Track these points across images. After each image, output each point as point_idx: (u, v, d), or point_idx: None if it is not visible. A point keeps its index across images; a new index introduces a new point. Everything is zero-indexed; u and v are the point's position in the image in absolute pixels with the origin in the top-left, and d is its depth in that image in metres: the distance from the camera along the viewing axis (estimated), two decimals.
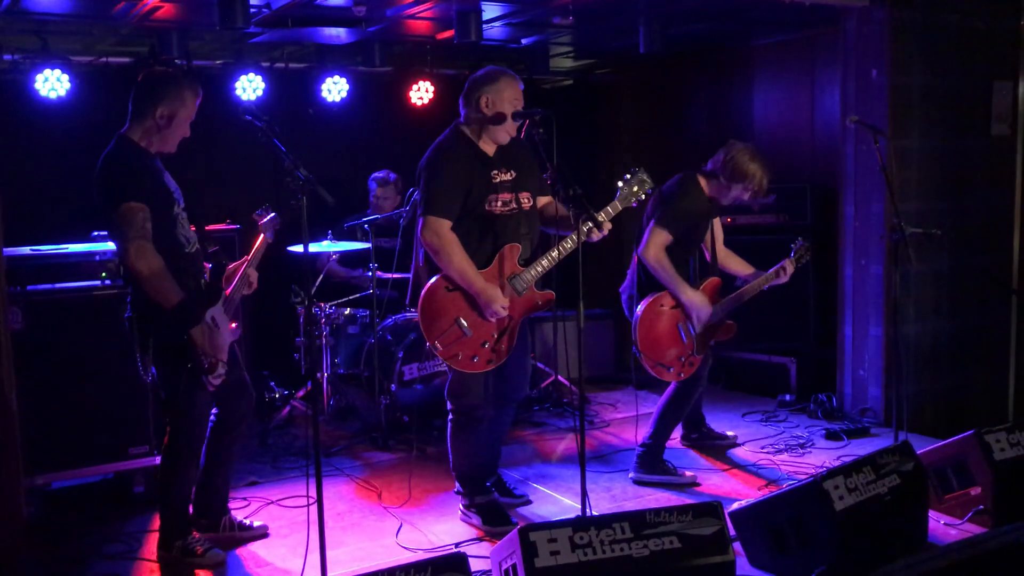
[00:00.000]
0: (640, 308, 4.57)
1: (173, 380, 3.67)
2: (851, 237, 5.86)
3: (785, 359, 6.36)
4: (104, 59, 6.19)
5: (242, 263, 4.05)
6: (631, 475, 4.75)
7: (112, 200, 3.50)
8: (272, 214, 4.20)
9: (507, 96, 3.93)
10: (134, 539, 4.10)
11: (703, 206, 4.63)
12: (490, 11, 5.59)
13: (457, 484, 4.29)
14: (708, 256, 4.84)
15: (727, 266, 4.91)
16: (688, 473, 4.73)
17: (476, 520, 4.14)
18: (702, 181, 4.63)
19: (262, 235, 4.18)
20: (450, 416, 4.19)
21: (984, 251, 6.10)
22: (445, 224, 3.87)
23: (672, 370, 4.60)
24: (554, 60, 7.51)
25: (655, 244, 4.48)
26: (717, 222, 4.85)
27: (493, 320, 3.93)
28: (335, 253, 5.77)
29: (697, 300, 4.56)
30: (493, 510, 4.15)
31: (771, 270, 4.76)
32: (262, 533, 4.11)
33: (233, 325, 3.92)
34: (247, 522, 4.13)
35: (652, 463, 4.72)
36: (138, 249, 3.45)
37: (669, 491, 4.57)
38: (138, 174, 3.55)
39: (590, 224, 3.66)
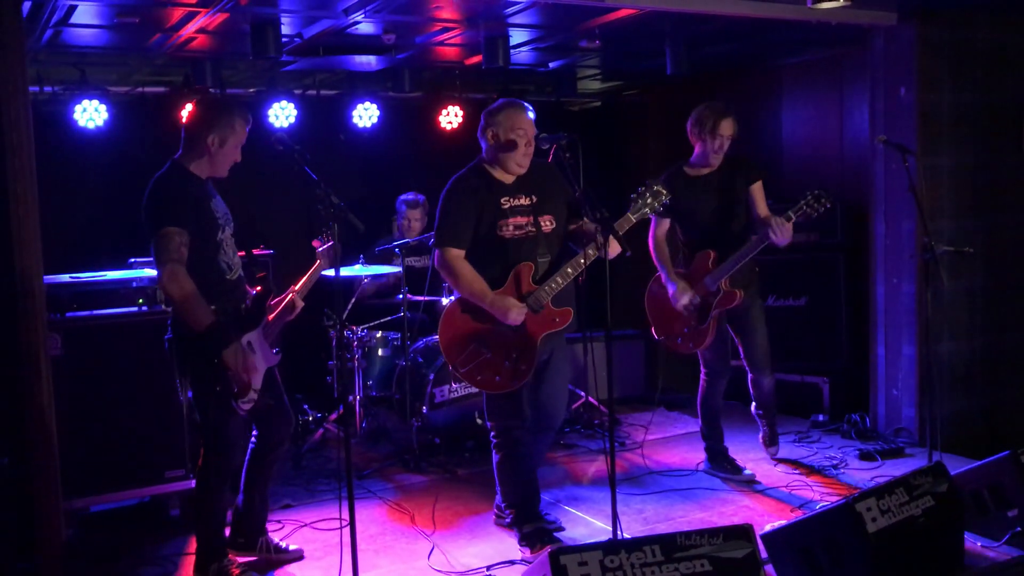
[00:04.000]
0: (647, 292, 5.04)
1: (206, 403, 3.73)
2: (882, 256, 5.82)
3: (818, 379, 6.32)
4: (140, 89, 6.33)
5: (290, 291, 4.09)
6: (702, 466, 5.27)
7: (152, 223, 3.59)
8: (331, 242, 4.18)
9: (511, 126, 3.99)
10: (170, 562, 4.16)
11: (685, 187, 4.82)
12: (517, 36, 5.66)
13: (507, 516, 4.30)
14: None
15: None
16: (747, 471, 5.04)
17: (527, 552, 4.09)
18: (685, 168, 4.93)
19: (318, 262, 4.21)
20: (492, 440, 4.21)
21: (1018, 269, 6.03)
22: (454, 252, 4.00)
23: (681, 341, 4.97)
24: (581, 82, 7.56)
25: (654, 232, 4.93)
26: (757, 192, 4.85)
27: (515, 325, 3.94)
28: (367, 278, 5.82)
29: (673, 287, 4.86)
30: (541, 538, 4.08)
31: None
32: (298, 556, 4.14)
33: (274, 351, 3.98)
34: (284, 545, 4.17)
35: (713, 458, 5.19)
36: (171, 273, 3.52)
37: (704, 512, 4.56)
38: (180, 199, 3.63)
39: (601, 242, 3.72)
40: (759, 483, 4.95)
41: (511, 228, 4.03)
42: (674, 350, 5.06)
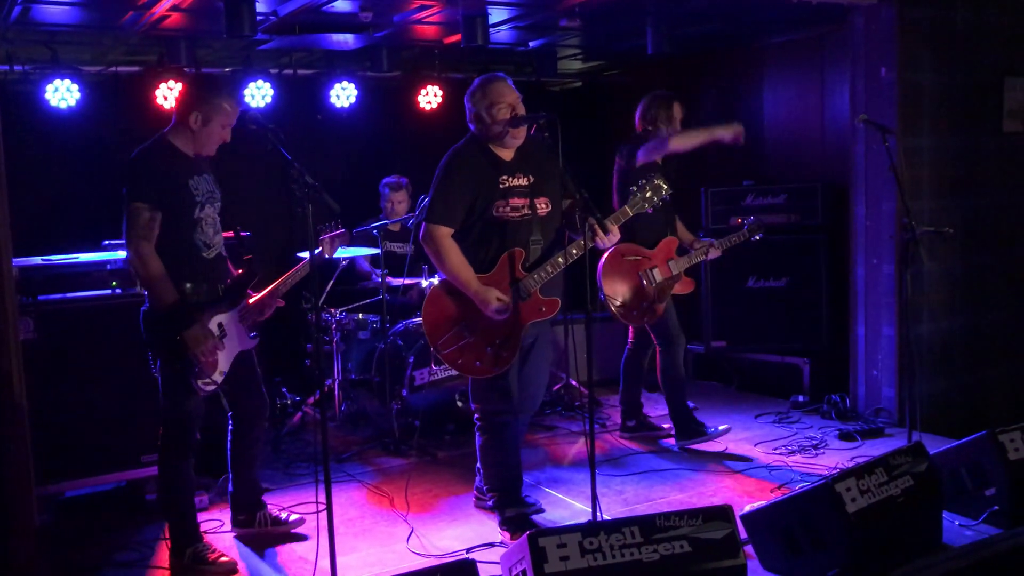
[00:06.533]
0: (604, 256, 4.98)
1: (167, 377, 3.73)
2: (863, 236, 5.82)
3: (798, 360, 6.33)
4: (113, 68, 6.24)
5: (285, 276, 4.01)
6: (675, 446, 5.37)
7: (125, 197, 3.62)
8: (340, 230, 4.15)
9: (493, 99, 3.89)
10: (146, 547, 4.11)
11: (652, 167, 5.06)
12: (497, 15, 5.59)
13: (488, 499, 4.26)
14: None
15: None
16: (721, 427, 5.29)
17: (506, 537, 4.07)
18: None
19: (320, 248, 4.13)
20: (477, 423, 4.18)
21: (997, 249, 6.06)
22: (443, 230, 3.89)
23: (635, 313, 5.10)
24: (562, 62, 7.51)
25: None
26: None
27: (499, 319, 3.89)
28: (344, 259, 5.77)
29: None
30: (521, 524, 4.04)
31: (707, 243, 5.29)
32: (297, 525, 4.17)
33: (251, 335, 3.94)
34: (283, 516, 4.20)
35: (683, 429, 5.31)
36: (137, 249, 3.56)
37: (683, 492, 4.56)
38: (153, 174, 3.62)
39: (595, 227, 3.69)
40: (749, 459, 5.00)
41: (508, 209, 3.92)
42: (627, 322, 5.23)
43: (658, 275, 5.06)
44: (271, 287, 3.98)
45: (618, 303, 5.06)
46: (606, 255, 5.00)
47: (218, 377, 3.74)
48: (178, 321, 3.58)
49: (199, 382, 3.67)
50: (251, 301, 3.91)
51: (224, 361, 3.76)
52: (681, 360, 5.31)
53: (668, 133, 5.02)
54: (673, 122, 5.16)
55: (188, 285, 3.65)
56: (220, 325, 3.75)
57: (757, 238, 5.31)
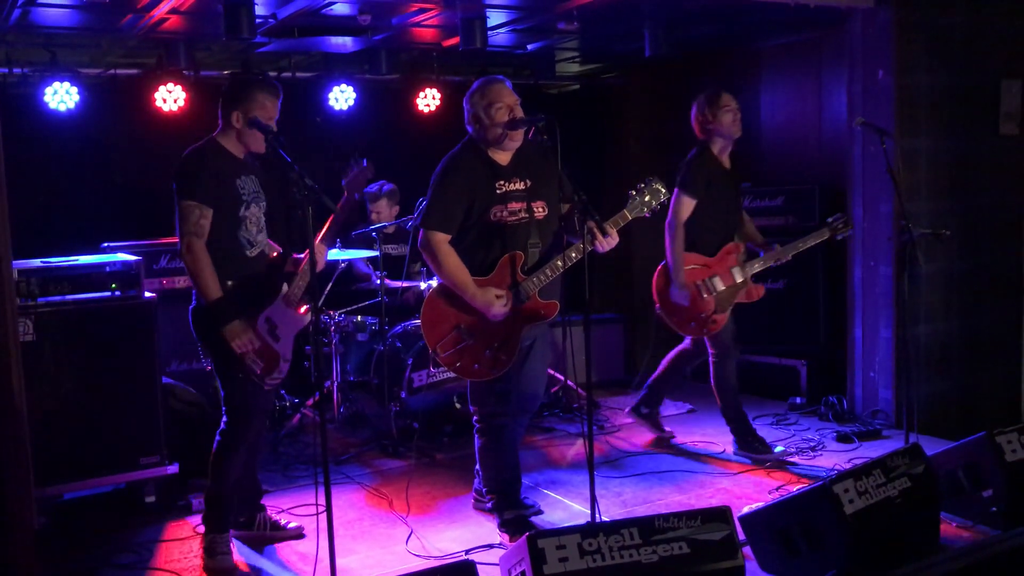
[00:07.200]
0: (659, 267, 4.95)
1: (223, 372, 3.81)
2: (860, 238, 5.84)
3: (795, 361, 6.33)
4: (112, 71, 6.23)
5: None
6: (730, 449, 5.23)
7: (176, 195, 3.72)
8: (363, 164, 3.86)
9: (491, 100, 3.89)
10: (145, 549, 4.12)
11: (719, 168, 4.94)
12: (495, 17, 5.61)
13: (487, 501, 4.26)
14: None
15: (747, 234, 5.19)
16: (779, 448, 5.12)
17: (505, 538, 4.08)
18: (711, 147, 4.96)
19: (345, 194, 3.89)
20: (476, 425, 4.19)
21: (994, 251, 6.07)
22: (439, 236, 3.90)
23: (694, 325, 4.94)
24: (560, 65, 7.53)
25: (676, 212, 4.83)
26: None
27: (498, 320, 3.90)
28: (343, 262, 5.78)
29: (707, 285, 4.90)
30: (520, 526, 4.06)
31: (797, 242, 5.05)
32: (296, 534, 4.18)
33: (303, 310, 3.93)
34: (282, 522, 4.22)
35: (742, 439, 5.13)
36: (187, 245, 3.67)
37: (682, 494, 4.57)
38: (202, 174, 3.71)
39: (594, 230, 3.69)
40: (794, 463, 4.97)
41: (505, 213, 3.92)
42: (685, 334, 5.10)
43: (719, 284, 4.89)
44: (305, 260, 3.95)
45: (674, 315, 4.95)
46: (661, 266, 4.95)
47: (284, 365, 3.85)
48: (217, 318, 3.67)
49: (265, 379, 3.78)
50: (300, 271, 3.91)
51: (286, 348, 3.86)
52: (734, 370, 5.13)
53: (673, 222, 4.82)
54: (722, 113, 4.84)
55: (230, 282, 3.73)
56: (268, 319, 3.83)
57: (846, 235, 5.05)
